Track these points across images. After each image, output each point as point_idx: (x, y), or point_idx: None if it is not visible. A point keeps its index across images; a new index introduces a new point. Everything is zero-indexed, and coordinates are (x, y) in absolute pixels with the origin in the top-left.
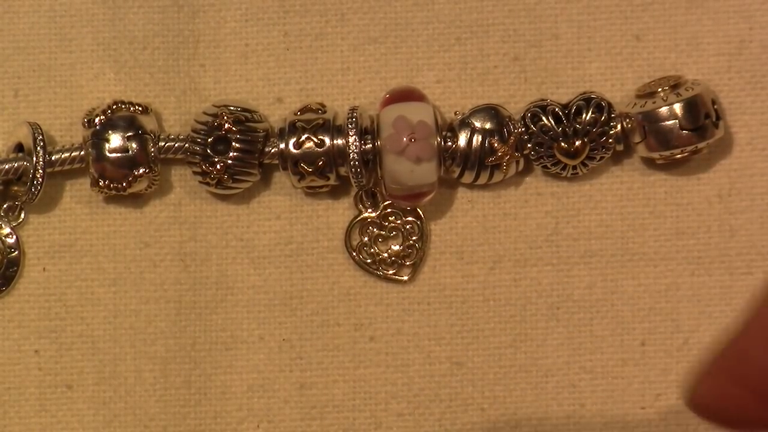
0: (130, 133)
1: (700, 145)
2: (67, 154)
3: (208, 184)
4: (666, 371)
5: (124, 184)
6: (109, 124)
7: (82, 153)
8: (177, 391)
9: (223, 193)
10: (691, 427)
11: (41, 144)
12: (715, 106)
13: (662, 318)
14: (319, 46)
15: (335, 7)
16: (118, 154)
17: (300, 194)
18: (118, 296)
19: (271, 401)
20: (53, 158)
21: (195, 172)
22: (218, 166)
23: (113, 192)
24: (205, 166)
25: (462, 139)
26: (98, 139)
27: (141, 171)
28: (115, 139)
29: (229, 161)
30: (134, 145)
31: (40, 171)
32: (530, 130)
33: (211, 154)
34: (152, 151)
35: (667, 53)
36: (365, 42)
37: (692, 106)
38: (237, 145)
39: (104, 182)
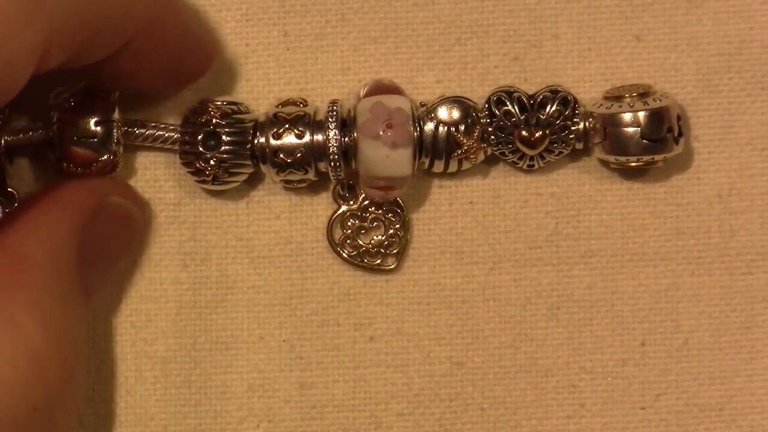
0: (96, 118)
1: (657, 157)
2: (28, 134)
3: (204, 181)
4: (666, 371)
5: (91, 169)
6: (77, 109)
7: (50, 134)
8: (177, 391)
9: (221, 188)
10: (692, 427)
11: None
12: (680, 122)
13: (662, 318)
14: (319, 46)
15: (335, 7)
16: (85, 138)
17: (300, 194)
18: (118, 296)
19: (271, 401)
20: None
21: (190, 172)
22: (212, 162)
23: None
24: (200, 164)
25: (428, 132)
26: (65, 123)
27: (105, 157)
28: (82, 124)
29: (222, 155)
30: (100, 130)
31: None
32: (494, 115)
33: (203, 150)
34: (117, 137)
35: (667, 53)
36: (365, 42)
37: (657, 117)
38: (227, 138)
39: (68, 165)
